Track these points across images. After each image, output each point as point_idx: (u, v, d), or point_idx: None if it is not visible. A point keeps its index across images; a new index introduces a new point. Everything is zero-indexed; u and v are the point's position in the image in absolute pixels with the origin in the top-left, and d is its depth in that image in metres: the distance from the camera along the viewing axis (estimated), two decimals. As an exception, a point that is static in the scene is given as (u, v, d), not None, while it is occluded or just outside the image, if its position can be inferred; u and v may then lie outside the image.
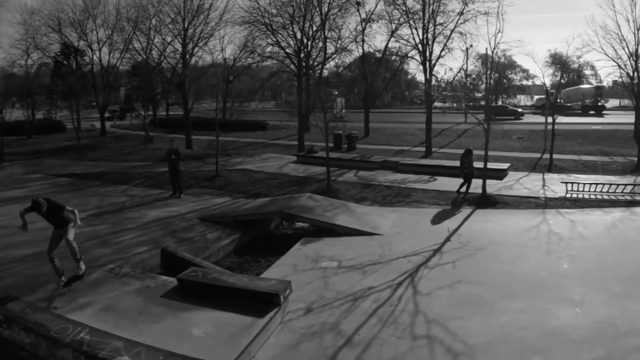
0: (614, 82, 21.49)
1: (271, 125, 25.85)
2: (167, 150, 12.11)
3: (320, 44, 18.42)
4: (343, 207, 9.53)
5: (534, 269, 6.63)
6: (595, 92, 31.86)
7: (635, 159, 14.73)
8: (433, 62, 17.21)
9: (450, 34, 16.63)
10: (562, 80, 30.97)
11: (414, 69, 18.58)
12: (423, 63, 17.22)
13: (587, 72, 28.10)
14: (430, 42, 16.86)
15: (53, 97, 23.79)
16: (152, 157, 17.46)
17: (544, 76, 17.86)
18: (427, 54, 17.00)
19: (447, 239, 8.00)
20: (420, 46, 17.11)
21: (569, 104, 31.77)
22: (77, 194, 12.43)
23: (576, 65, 28.49)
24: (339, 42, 18.86)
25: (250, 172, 14.50)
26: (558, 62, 23.34)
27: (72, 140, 22.04)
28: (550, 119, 15.57)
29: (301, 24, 17.91)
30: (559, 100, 28.61)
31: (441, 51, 17.26)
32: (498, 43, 10.53)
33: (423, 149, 17.64)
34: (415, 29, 16.97)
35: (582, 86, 32.36)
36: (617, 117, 29.10)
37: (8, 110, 21.44)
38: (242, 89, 22.14)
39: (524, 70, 36.69)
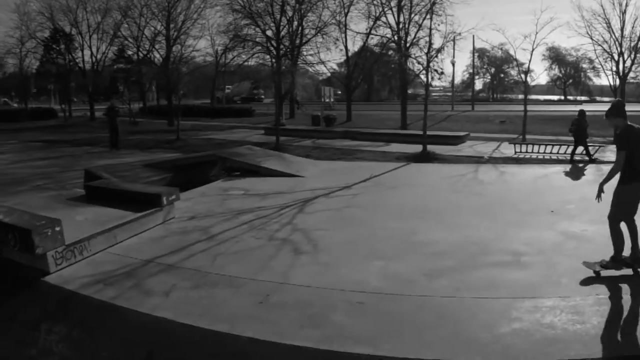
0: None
1: (258, 113, 26.33)
2: (107, 107, 13.28)
3: (296, 23, 18.69)
4: (277, 156, 9.65)
5: (429, 203, 6.44)
6: (251, 86, 38.13)
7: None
8: (408, 44, 17.19)
9: (425, 15, 16.58)
10: (560, 74, 30.56)
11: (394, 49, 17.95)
12: (397, 43, 17.25)
13: (585, 65, 27.35)
14: (406, 24, 16.90)
15: (47, 82, 24.68)
16: (129, 131, 17.94)
17: (515, 51, 17.15)
18: (403, 33, 17.03)
19: (364, 180, 7.99)
20: (395, 26, 17.16)
21: (236, 97, 36.68)
22: (42, 151, 13.14)
23: (573, 59, 28.06)
24: (319, 23, 19.11)
25: (212, 139, 14.81)
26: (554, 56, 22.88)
27: (61, 122, 22.93)
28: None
29: (279, 6, 18.28)
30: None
31: (416, 33, 17.25)
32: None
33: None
34: (391, 8, 17.09)
35: (242, 82, 36.95)
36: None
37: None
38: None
39: (520, 65, 35.67)
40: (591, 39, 18.07)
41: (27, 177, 9.56)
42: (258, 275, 4.07)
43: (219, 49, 22.27)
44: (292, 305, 3.46)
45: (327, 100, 25.09)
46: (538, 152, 10.53)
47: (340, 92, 35.40)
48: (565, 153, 10.31)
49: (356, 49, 21.76)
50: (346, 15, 20.40)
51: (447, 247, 4.60)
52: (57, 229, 4.20)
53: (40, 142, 15.14)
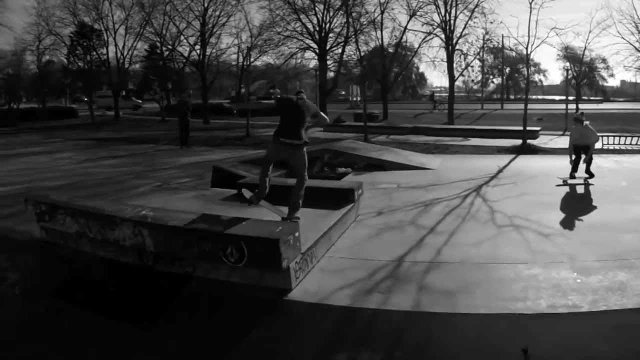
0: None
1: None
2: (178, 101, 12.52)
3: (343, 20, 18.52)
4: (386, 149, 9.43)
5: (594, 186, 6.57)
6: (267, 86, 34.63)
7: (658, 134, 14.82)
8: (455, 40, 17.35)
9: (473, 10, 16.80)
10: (575, 73, 31.41)
11: (437, 46, 17.86)
12: (446, 41, 17.35)
13: (599, 65, 28.40)
14: (452, 20, 17.03)
15: (67, 78, 23.55)
16: (175, 127, 17.13)
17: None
18: (449, 32, 17.15)
19: (499, 171, 7.93)
20: (442, 24, 17.26)
21: (252, 97, 34.38)
22: (103, 150, 12.38)
23: (588, 59, 28.96)
24: (360, 20, 18.95)
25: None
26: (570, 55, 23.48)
27: (87, 121, 21.90)
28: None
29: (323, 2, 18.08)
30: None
31: (462, 30, 17.44)
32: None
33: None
34: (438, 7, 17.16)
35: (259, 82, 33.84)
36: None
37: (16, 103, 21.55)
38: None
39: (535, 64, 36.65)
40: (622, 38, 18.76)
41: (119, 177, 8.87)
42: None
43: (244, 47, 21.69)
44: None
45: (355, 98, 25.01)
46: (625, 144, 10.77)
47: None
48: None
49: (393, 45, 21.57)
50: (382, 13, 20.32)
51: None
52: (297, 234, 3.56)
53: (90, 141, 14.26)
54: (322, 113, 4.64)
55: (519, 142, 10.76)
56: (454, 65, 17.55)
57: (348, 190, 5.26)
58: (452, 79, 17.44)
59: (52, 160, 11.09)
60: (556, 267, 3.74)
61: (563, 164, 8.57)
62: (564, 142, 12.33)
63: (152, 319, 3.29)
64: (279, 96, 4.47)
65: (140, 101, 28.32)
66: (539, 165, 8.49)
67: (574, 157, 6.75)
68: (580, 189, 6.46)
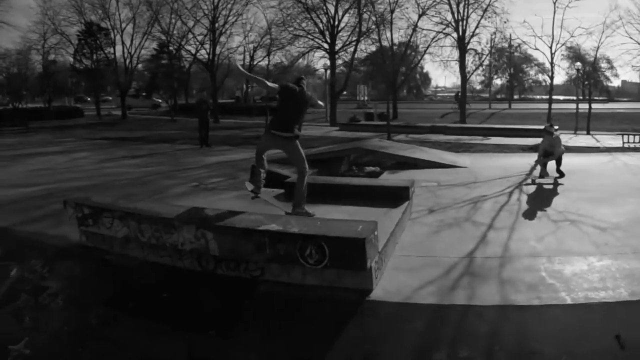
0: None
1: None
2: (197, 100, 12.38)
3: (354, 19, 18.49)
4: (415, 147, 9.42)
5: (628, 182, 6.75)
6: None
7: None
8: (467, 40, 17.44)
9: (485, 10, 16.90)
10: (579, 73, 31.67)
11: (448, 45, 17.90)
12: (459, 40, 17.42)
13: (603, 65, 28.60)
14: (465, 19, 17.12)
15: (75, 78, 23.28)
16: (187, 126, 17.01)
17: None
18: (461, 31, 17.24)
19: (533, 169, 7.95)
20: (454, 23, 17.34)
21: (256, 97, 33.75)
22: (120, 149, 12.16)
23: (592, 59, 29.19)
24: (373, 19, 18.93)
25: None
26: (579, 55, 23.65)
27: (94, 121, 21.69)
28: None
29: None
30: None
31: (475, 29, 17.54)
32: None
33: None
34: (450, 5, 17.23)
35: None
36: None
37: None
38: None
39: (539, 64, 36.72)
40: (631, 38, 19.03)
41: (145, 178, 8.59)
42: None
43: (251, 47, 21.59)
44: None
45: (363, 98, 25.04)
46: (644, 143, 10.91)
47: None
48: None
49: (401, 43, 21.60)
50: (392, 12, 20.32)
51: None
52: (376, 233, 3.38)
53: (104, 140, 14.07)
54: (319, 101, 4.66)
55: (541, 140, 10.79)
56: (467, 64, 17.63)
57: (403, 187, 5.20)
58: (464, 78, 17.53)
59: (70, 160, 10.88)
60: (624, 257, 3.84)
61: (594, 160, 8.90)
62: (584, 140, 12.56)
63: (225, 327, 3.09)
64: (284, 83, 4.37)
65: (160, 100, 28.20)
66: (570, 162, 8.44)
67: (542, 157, 7.15)
68: (620, 185, 6.52)
